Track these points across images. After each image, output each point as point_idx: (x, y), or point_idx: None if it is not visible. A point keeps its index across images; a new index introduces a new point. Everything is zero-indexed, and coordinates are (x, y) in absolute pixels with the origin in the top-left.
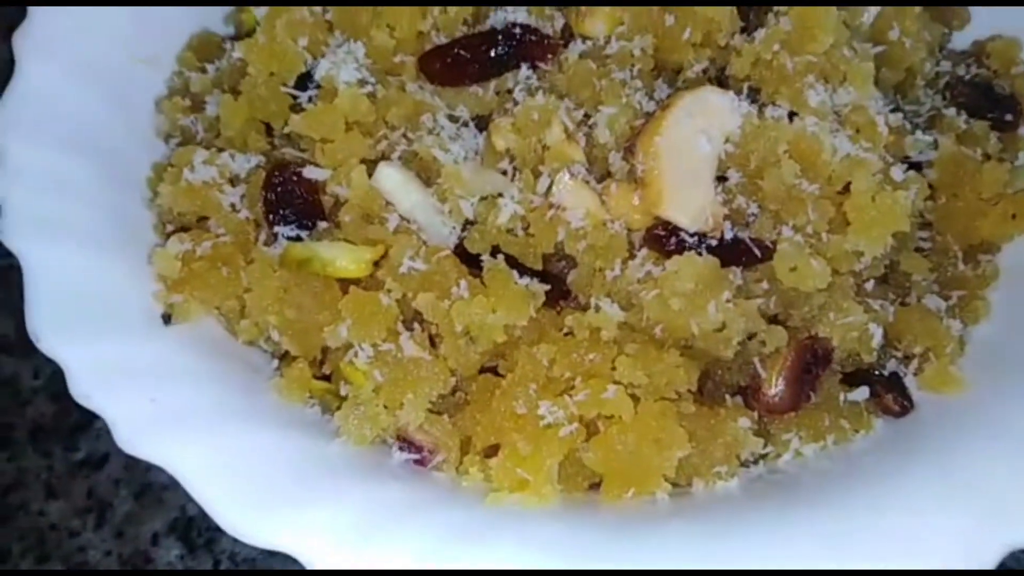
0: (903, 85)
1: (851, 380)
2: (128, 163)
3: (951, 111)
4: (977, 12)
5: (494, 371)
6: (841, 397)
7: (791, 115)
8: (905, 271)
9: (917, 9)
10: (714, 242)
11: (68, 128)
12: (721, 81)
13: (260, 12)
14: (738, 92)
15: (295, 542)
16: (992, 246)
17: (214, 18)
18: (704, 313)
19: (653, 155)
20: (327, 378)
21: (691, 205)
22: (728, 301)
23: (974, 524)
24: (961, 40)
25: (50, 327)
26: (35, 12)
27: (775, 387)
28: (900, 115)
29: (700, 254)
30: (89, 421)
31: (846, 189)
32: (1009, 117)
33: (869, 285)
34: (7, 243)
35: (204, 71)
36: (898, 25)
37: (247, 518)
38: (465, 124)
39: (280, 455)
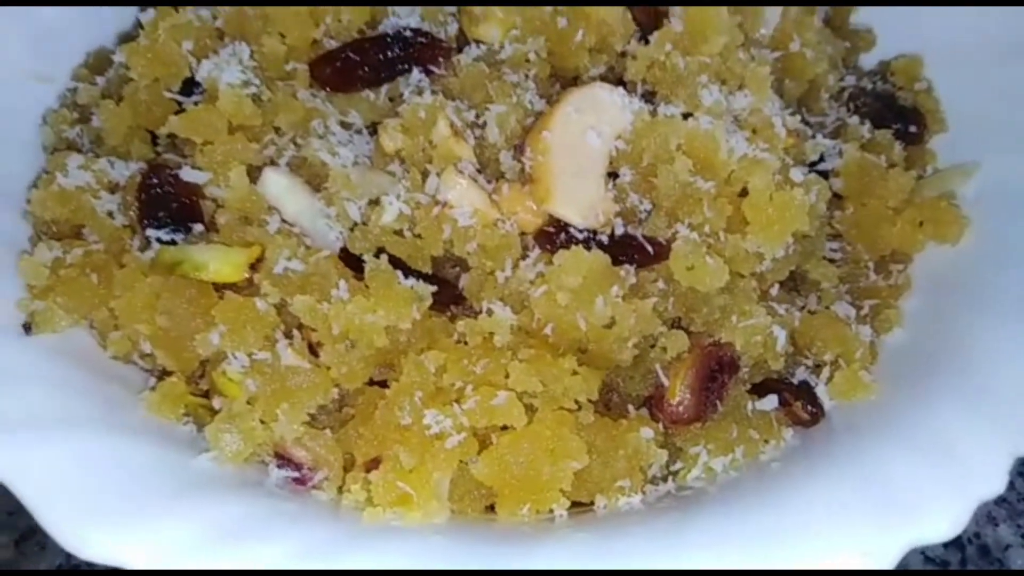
0: (807, 98)
1: (759, 390)
2: (10, 178)
3: (854, 120)
4: (883, 35)
5: (383, 384)
6: (749, 406)
7: (685, 115)
8: (814, 279)
9: (817, 22)
10: (604, 238)
11: None
12: (616, 85)
13: (146, 17)
14: (634, 94)
15: (123, 555)
16: (904, 256)
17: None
18: (591, 308)
19: (542, 150)
20: (206, 395)
21: (580, 200)
22: (617, 296)
23: (875, 524)
24: (868, 62)
25: None
26: None
27: (678, 395)
28: (798, 118)
29: (589, 249)
30: None
31: (744, 191)
32: (913, 129)
33: (774, 291)
34: None
35: (94, 83)
36: (799, 36)
37: (77, 530)
38: (358, 131)
39: (132, 468)
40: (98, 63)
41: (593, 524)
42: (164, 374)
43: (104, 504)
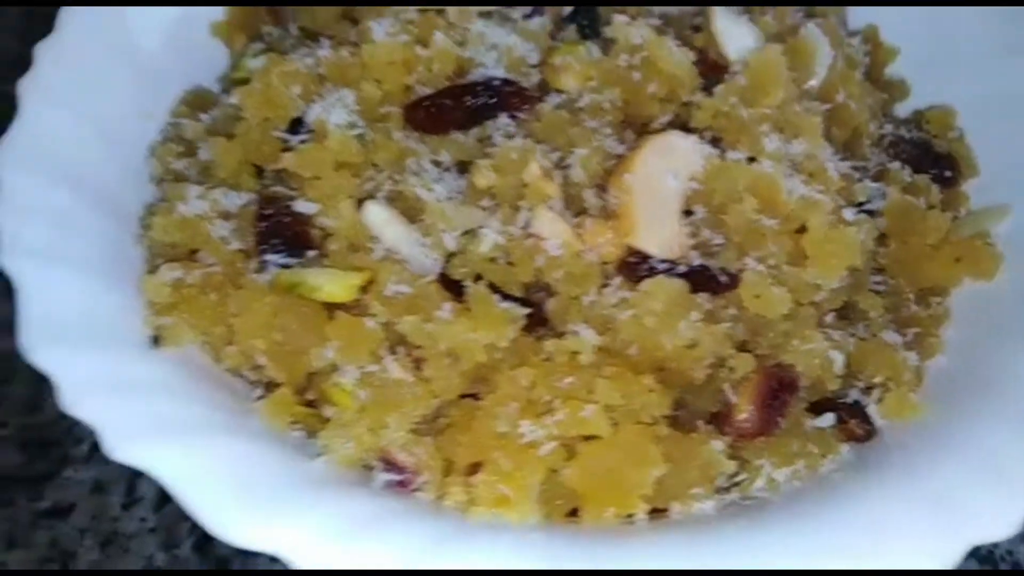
0: (851, 144)
1: (816, 408)
2: (121, 203)
3: (896, 165)
4: (916, 85)
5: (475, 397)
6: (808, 423)
7: (750, 159)
8: (862, 309)
9: (858, 75)
10: (682, 268)
11: (66, 166)
12: (685, 131)
13: (256, 64)
14: (703, 140)
15: (279, 543)
16: (942, 289)
17: (208, 77)
18: (675, 330)
19: (625, 190)
20: (311, 405)
21: (660, 235)
22: (697, 321)
23: (938, 525)
24: (902, 111)
25: (41, 341)
26: (41, 62)
27: (745, 411)
28: (848, 164)
29: (669, 278)
30: (56, 470)
31: (803, 228)
32: (948, 174)
33: (828, 318)
34: (2, 264)
35: (197, 120)
36: (843, 89)
37: (232, 520)
38: (447, 169)
39: (265, 466)
40: (196, 101)
41: (673, 528)
42: (268, 386)
43: (250, 496)
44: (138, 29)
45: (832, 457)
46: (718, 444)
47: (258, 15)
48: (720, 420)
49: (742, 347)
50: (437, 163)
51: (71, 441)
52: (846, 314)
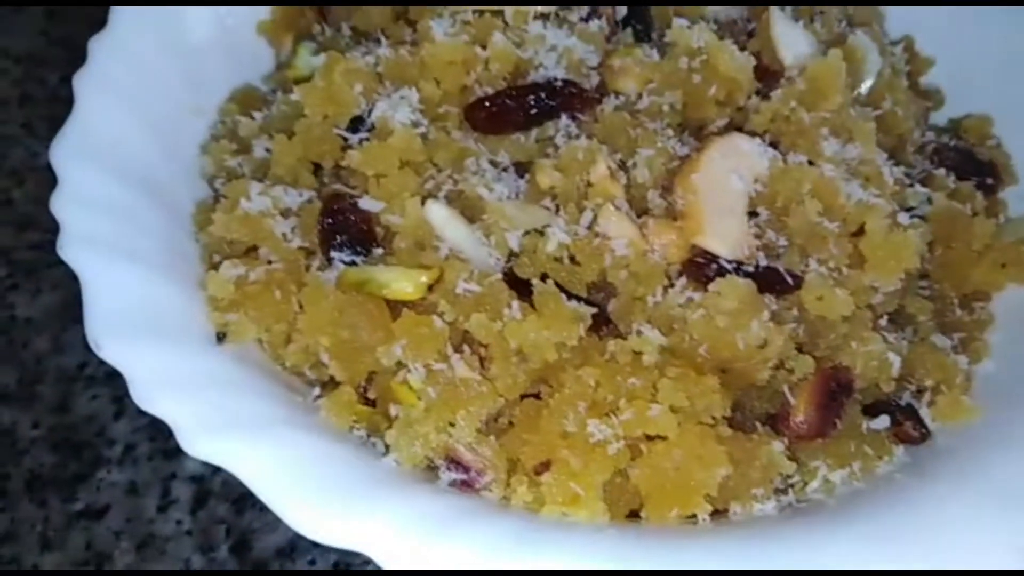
0: (896, 150)
1: (871, 410)
2: (175, 198)
3: (940, 172)
4: (950, 93)
5: (535, 397)
6: (863, 425)
7: (809, 163)
8: (911, 313)
9: (904, 85)
10: (750, 269)
11: (122, 160)
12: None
13: (316, 61)
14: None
15: (362, 539)
16: (984, 295)
17: (253, 75)
18: (748, 329)
19: (692, 191)
20: (369, 403)
21: (728, 235)
22: (768, 321)
23: (1001, 524)
24: (938, 119)
25: (110, 335)
26: (95, 56)
27: (803, 413)
28: (900, 169)
29: (740, 278)
30: (90, 472)
31: (860, 231)
32: (990, 180)
33: (882, 322)
34: (65, 256)
35: (251, 118)
36: (890, 96)
37: (314, 517)
38: (505, 169)
39: (339, 464)
40: (244, 98)
41: (738, 528)
42: (324, 384)
43: (329, 493)
44: (188, 26)
45: (888, 459)
46: (779, 445)
47: (304, 15)
48: (777, 421)
49: (800, 349)
50: (494, 163)
51: (103, 442)
52: (895, 318)
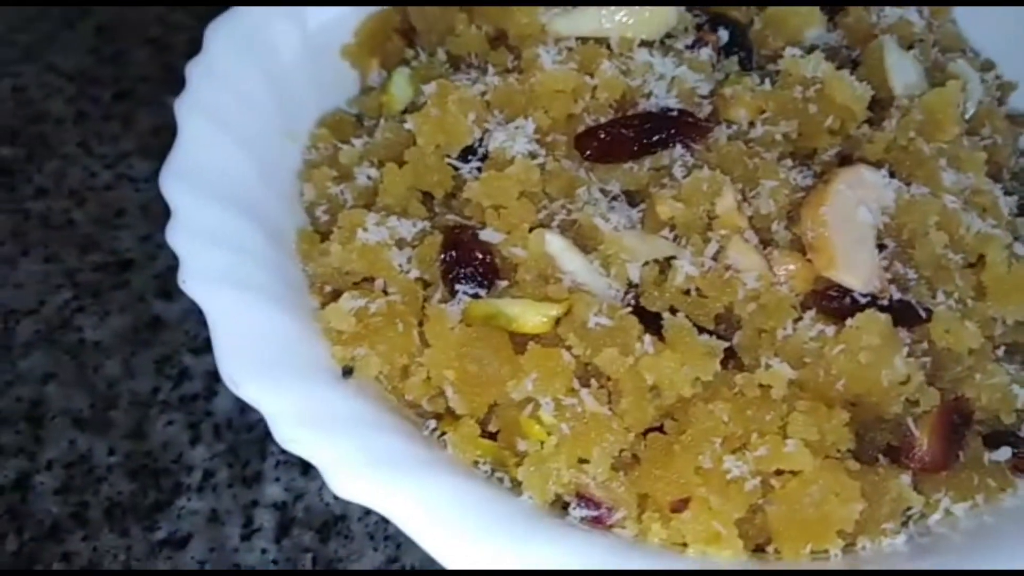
0: (995, 177)
1: (991, 442)
2: (278, 226)
3: None
4: None
5: (659, 430)
6: (985, 457)
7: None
8: (1022, 343)
9: (1003, 112)
10: (885, 302)
11: (229, 188)
12: (852, 163)
13: (427, 89)
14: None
15: None
16: None
17: (338, 99)
18: (892, 366)
19: (821, 223)
20: (489, 436)
21: (860, 269)
22: (908, 356)
23: None
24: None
25: (246, 374)
26: (193, 80)
27: (928, 446)
28: (1014, 199)
29: (877, 313)
30: (169, 500)
31: (978, 261)
32: None
33: (999, 352)
34: (188, 291)
35: (349, 144)
36: (989, 123)
37: (472, 557)
38: (615, 198)
39: (484, 502)
40: (336, 123)
41: (869, 564)
42: (440, 415)
43: (482, 531)
44: (277, 48)
45: (1011, 491)
46: (906, 478)
47: (390, 39)
48: (899, 453)
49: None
50: (605, 192)
51: (182, 469)
52: (1010, 348)
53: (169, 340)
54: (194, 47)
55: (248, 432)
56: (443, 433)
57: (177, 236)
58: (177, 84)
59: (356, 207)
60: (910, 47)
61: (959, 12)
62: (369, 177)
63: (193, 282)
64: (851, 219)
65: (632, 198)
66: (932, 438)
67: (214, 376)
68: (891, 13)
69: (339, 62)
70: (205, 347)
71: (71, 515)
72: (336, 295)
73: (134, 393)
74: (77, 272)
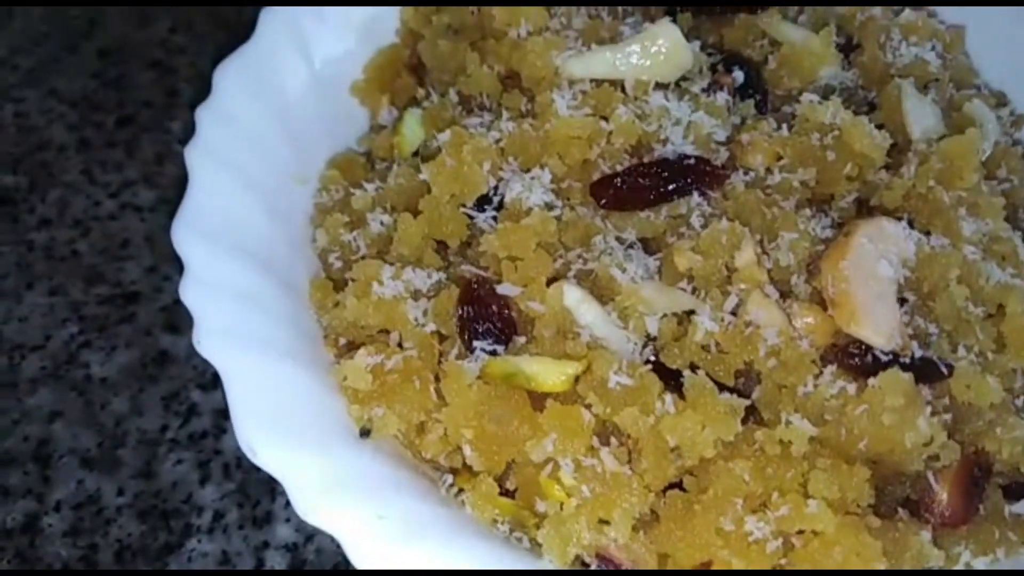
0: (1010, 218)
1: (1010, 494)
2: (291, 275)
3: None
4: None
5: (678, 487)
6: (1005, 510)
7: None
8: None
9: (1020, 152)
10: (907, 360)
11: (241, 238)
12: (869, 210)
13: (441, 137)
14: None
15: None
16: None
17: (348, 137)
18: (916, 427)
19: (842, 278)
20: (506, 494)
21: (882, 325)
22: (933, 416)
23: None
24: None
25: (264, 441)
26: (203, 125)
27: (949, 500)
28: None
29: (900, 372)
30: (180, 542)
31: (998, 311)
32: None
33: (1018, 402)
34: (203, 352)
35: (361, 188)
36: (1005, 164)
37: None
38: (631, 246)
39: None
40: (346, 165)
41: None
42: (456, 470)
43: None
44: (286, 86)
45: None
46: (926, 534)
47: (400, 75)
48: (919, 507)
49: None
50: (621, 240)
51: (192, 510)
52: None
53: (177, 375)
54: (196, 71)
55: (258, 471)
56: (461, 490)
57: (191, 293)
58: (179, 109)
59: (370, 255)
60: (925, 86)
61: (970, 41)
62: (382, 223)
63: (208, 343)
64: (872, 274)
65: (649, 245)
66: (952, 492)
67: (223, 413)
68: (907, 53)
69: (348, 99)
70: (213, 383)
71: (80, 558)
72: (351, 346)
73: (142, 431)
74: (83, 305)
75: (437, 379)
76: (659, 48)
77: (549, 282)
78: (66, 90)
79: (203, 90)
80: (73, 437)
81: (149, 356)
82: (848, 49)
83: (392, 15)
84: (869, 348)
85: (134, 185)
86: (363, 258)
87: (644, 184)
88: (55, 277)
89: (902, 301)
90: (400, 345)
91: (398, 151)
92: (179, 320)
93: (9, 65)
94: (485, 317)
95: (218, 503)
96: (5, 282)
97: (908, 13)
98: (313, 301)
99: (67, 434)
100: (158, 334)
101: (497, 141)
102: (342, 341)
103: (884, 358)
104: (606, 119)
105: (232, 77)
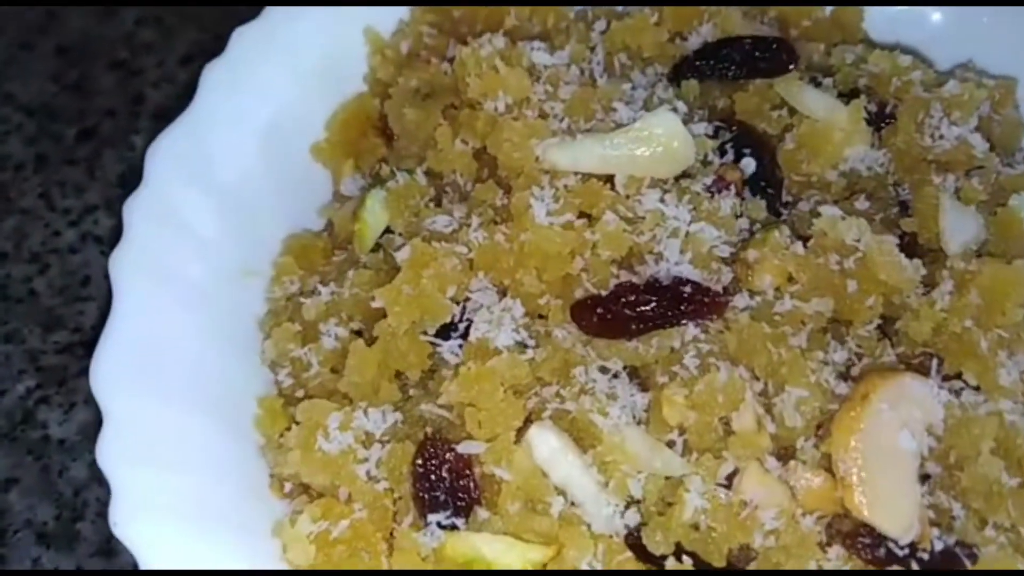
0: None
1: None
2: (235, 398)
3: None
4: None
5: None
6: None
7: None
8: None
9: None
10: (925, 555)
11: (173, 372)
12: (891, 340)
13: (400, 256)
14: (915, 358)
15: None
16: None
17: (308, 210)
18: None
19: (855, 455)
20: None
21: (899, 514)
22: None
23: None
24: None
25: None
26: (132, 225)
27: None
28: None
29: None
30: None
31: None
32: None
33: None
34: (121, 537)
35: (315, 292)
36: None
37: None
38: (616, 375)
39: None
40: (301, 250)
41: None
42: None
43: None
44: (229, 164)
45: None
46: None
47: (366, 136)
48: None
49: None
50: (604, 370)
51: None
52: None
53: None
54: (164, 74)
55: None
56: None
57: (107, 457)
58: (144, 120)
59: (323, 373)
60: (967, 173)
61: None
62: (337, 337)
63: (126, 524)
64: (891, 451)
65: (637, 373)
66: None
67: None
68: (948, 134)
69: (307, 160)
70: None
71: None
72: (300, 490)
73: (103, 503)
74: (40, 355)
75: (390, 547)
76: (656, 140)
77: (520, 429)
78: (22, 95)
79: (171, 96)
80: (29, 508)
81: None
82: (880, 118)
83: (359, 58)
84: (883, 538)
85: (95, 211)
86: (316, 375)
87: (631, 314)
88: (10, 321)
89: (924, 477)
90: (350, 499)
91: (358, 242)
92: None
93: None
94: (442, 486)
95: None
96: None
97: (952, 85)
98: (261, 428)
99: (23, 505)
100: None
101: (467, 251)
102: (288, 487)
103: (900, 552)
104: (591, 218)
105: (165, 160)
